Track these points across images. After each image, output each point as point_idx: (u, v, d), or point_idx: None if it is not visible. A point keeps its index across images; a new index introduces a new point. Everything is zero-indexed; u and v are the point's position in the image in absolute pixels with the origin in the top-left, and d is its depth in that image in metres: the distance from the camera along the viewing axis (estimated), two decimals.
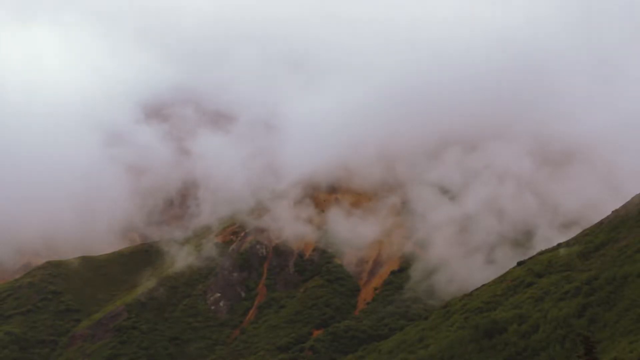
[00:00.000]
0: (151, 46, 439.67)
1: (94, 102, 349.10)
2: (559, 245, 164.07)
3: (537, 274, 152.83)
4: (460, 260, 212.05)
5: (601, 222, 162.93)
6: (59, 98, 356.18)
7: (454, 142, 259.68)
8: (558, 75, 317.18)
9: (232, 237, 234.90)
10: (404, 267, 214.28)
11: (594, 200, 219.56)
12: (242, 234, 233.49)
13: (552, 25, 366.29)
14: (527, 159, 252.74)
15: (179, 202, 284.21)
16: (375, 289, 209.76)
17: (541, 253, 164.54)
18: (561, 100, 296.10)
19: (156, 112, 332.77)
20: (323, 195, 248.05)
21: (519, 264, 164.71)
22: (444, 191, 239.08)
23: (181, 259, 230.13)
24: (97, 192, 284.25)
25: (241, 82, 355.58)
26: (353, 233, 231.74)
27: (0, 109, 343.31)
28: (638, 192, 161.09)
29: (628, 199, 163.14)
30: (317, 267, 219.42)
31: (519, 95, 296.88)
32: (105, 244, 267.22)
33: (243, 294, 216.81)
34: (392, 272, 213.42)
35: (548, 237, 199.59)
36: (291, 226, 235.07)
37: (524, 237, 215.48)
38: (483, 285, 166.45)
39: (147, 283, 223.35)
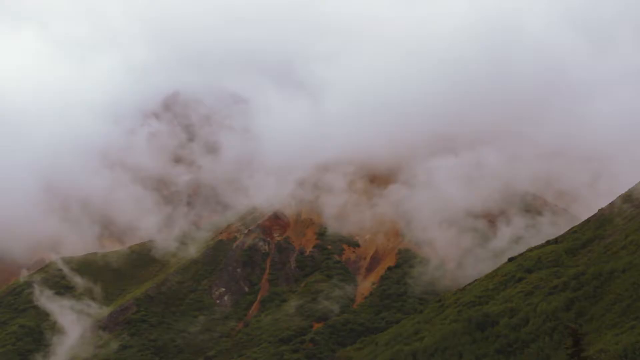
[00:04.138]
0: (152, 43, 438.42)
1: (93, 101, 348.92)
2: (548, 242, 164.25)
3: (527, 269, 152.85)
4: (455, 256, 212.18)
5: (588, 220, 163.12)
6: (69, 96, 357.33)
7: (456, 141, 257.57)
8: (563, 73, 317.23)
9: (236, 234, 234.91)
10: (400, 264, 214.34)
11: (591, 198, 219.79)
12: (246, 232, 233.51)
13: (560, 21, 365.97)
14: (526, 157, 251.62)
15: (185, 200, 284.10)
16: (373, 284, 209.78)
17: (531, 250, 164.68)
18: (563, 98, 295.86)
19: (167, 106, 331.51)
20: (321, 195, 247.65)
21: (510, 260, 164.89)
22: (442, 189, 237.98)
23: (188, 256, 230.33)
24: (105, 191, 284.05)
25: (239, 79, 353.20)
26: (351, 231, 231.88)
27: (7, 109, 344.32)
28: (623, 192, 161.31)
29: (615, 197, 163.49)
30: (317, 263, 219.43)
31: (522, 94, 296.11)
32: (115, 241, 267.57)
33: (247, 289, 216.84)
34: (389, 268, 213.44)
35: (543, 233, 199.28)
36: (292, 225, 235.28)
37: (520, 234, 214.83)
38: (476, 280, 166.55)
39: (155, 278, 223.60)
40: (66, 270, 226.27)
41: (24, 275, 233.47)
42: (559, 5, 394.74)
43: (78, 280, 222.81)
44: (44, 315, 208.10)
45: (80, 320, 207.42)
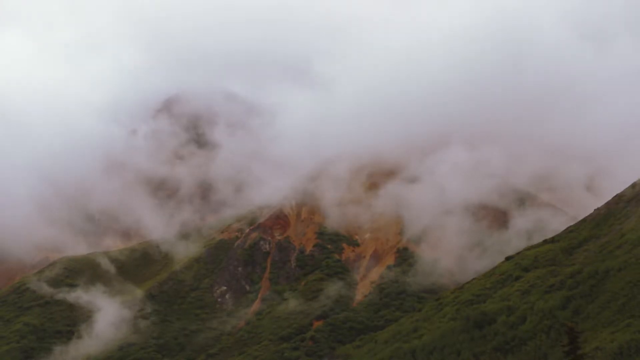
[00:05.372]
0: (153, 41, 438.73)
1: (95, 101, 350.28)
2: (545, 241, 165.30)
3: (524, 268, 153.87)
4: (453, 255, 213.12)
5: (585, 219, 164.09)
6: (70, 97, 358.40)
7: (457, 140, 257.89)
8: (563, 73, 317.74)
9: (237, 234, 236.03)
10: (399, 262, 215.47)
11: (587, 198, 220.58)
12: (247, 231, 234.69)
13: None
14: (526, 156, 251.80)
15: (187, 200, 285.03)
16: (372, 282, 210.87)
17: (528, 248, 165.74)
18: (563, 97, 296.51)
19: (167, 106, 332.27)
20: (321, 195, 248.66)
21: (507, 258, 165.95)
22: (442, 189, 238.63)
23: (189, 254, 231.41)
24: (107, 190, 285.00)
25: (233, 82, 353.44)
26: (351, 230, 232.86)
27: (8, 110, 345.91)
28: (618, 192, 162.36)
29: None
30: (317, 262, 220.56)
31: (522, 93, 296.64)
32: (118, 240, 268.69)
33: (248, 287, 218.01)
34: (388, 267, 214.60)
35: (541, 232, 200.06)
36: (293, 224, 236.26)
37: (518, 232, 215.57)
38: (474, 278, 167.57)
39: (157, 277, 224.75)
40: (69, 269, 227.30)
41: (27, 274, 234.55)
42: (559, 5, 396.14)
43: (81, 279, 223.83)
44: (47, 313, 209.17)
45: (81, 319, 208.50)
